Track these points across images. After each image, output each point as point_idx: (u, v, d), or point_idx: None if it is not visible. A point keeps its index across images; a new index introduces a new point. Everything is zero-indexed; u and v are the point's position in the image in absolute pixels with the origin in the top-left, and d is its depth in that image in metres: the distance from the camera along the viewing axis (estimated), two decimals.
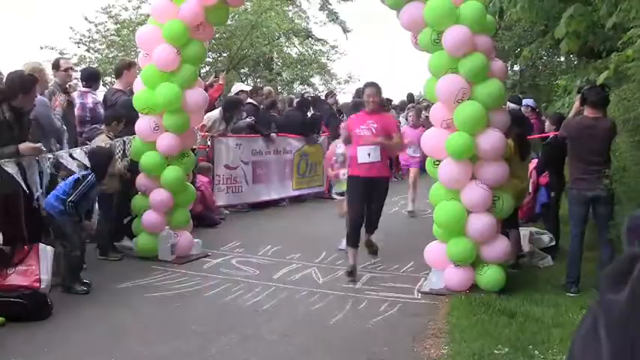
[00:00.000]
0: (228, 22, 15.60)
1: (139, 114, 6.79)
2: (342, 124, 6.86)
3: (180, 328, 4.85)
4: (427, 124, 8.25)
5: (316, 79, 24.38)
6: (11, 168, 5.14)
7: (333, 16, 23.76)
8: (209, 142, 9.72)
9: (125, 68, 7.66)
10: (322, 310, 5.39)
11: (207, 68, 20.33)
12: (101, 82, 9.32)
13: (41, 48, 17.79)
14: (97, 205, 6.59)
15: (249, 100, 10.87)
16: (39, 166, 5.49)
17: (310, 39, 23.85)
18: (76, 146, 6.86)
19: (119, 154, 6.68)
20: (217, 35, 18.27)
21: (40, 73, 6.36)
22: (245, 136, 10.22)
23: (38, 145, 5.44)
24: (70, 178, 5.68)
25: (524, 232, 7.21)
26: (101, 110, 7.43)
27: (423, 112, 11.67)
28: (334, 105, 13.38)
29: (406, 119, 12.74)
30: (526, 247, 7.14)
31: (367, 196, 6.34)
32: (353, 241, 6.38)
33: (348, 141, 6.43)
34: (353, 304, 5.56)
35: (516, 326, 4.90)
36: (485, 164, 5.70)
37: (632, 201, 6.03)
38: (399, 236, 8.35)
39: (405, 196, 10.56)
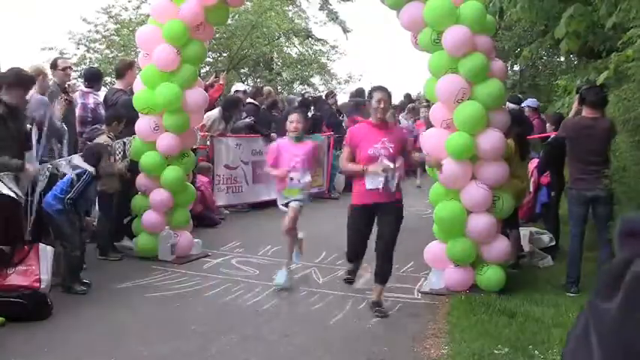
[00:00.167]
0: (229, 22, 15.62)
1: (139, 114, 6.79)
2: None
3: (180, 328, 4.85)
4: (427, 124, 8.28)
5: (316, 79, 24.37)
6: (8, 180, 5.14)
7: (333, 16, 23.75)
8: (209, 142, 9.73)
9: (127, 68, 7.66)
10: (322, 310, 5.39)
11: (208, 68, 20.32)
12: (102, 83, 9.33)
13: (42, 49, 17.79)
14: (97, 205, 6.61)
15: (249, 100, 10.87)
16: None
17: (310, 39, 23.84)
18: (76, 146, 6.88)
19: (119, 154, 6.68)
20: (217, 35, 18.26)
21: (42, 74, 6.37)
22: (245, 136, 10.22)
23: (39, 167, 5.48)
24: (67, 177, 5.68)
25: (524, 232, 7.21)
26: (102, 111, 7.43)
27: (422, 110, 11.71)
28: (334, 105, 13.39)
29: (406, 120, 12.78)
30: (526, 247, 7.14)
31: (372, 223, 5.25)
32: (353, 258, 5.63)
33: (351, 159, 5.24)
34: (353, 304, 5.55)
35: (516, 326, 4.90)
36: (486, 164, 5.70)
37: (632, 201, 6.03)
38: (399, 236, 8.34)
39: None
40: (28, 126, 5.45)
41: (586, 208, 5.94)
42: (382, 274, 5.25)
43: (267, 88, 12.75)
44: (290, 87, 23.00)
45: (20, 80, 5.31)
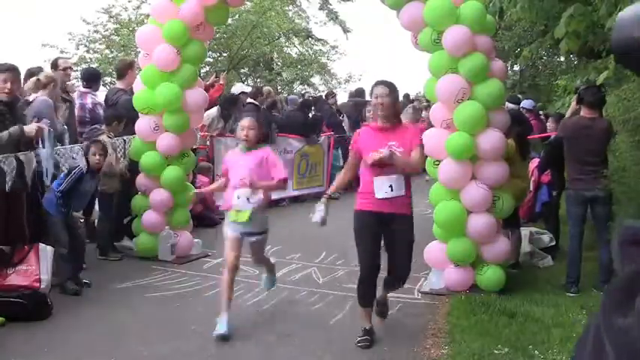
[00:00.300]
0: (229, 22, 15.64)
1: (139, 114, 6.79)
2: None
3: (180, 328, 4.85)
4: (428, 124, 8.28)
5: (316, 79, 24.38)
6: (7, 166, 5.12)
7: (333, 16, 23.75)
8: (209, 142, 9.72)
9: (127, 68, 7.67)
10: (322, 310, 5.39)
11: (208, 68, 20.33)
12: (101, 83, 9.33)
13: (43, 45, 17.79)
14: (97, 205, 6.61)
15: (249, 100, 10.87)
16: (39, 164, 5.48)
17: (310, 39, 23.85)
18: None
19: (120, 154, 6.69)
20: (217, 35, 18.26)
21: (54, 82, 6.39)
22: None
23: (42, 125, 5.41)
24: (64, 173, 5.69)
25: (525, 232, 7.21)
26: (100, 111, 7.44)
27: (423, 112, 11.68)
28: (334, 105, 13.40)
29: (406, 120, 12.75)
30: (526, 247, 7.14)
31: (384, 235, 4.62)
32: (365, 298, 4.67)
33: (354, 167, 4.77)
34: (353, 304, 5.54)
35: (516, 326, 4.90)
36: (486, 164, 5.70)
37: (632, 201, 6.03)
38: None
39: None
40: (34, 126, 5.40)
41: (584, 208, 5.95)
42: (396, 280, 4.82)
43: (266, 88, 12.75)
44: (290, 87, 23.00)
45: (3, 67, 5.30)
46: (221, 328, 4.57)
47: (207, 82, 9.82)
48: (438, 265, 6.02)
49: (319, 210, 4.79)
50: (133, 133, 6.87)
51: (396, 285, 4.87)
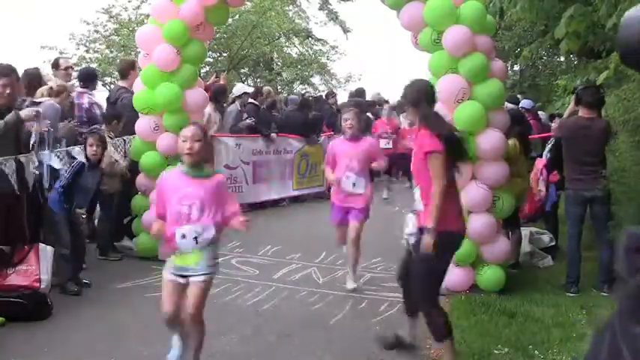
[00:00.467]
0: (229, 22, 15.64)
1: (139, 114, 6.79)
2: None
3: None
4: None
5: (316, 79, 24.39)
6: (8, 167, 5.12)
7: (333, 16, 23.76)
8: None
9: (129, 68, 7.68)
10: (322, 310, 5.39)
11: (208, 68, 20.33)
12: (101, 83, 9.35)
13: (42, 48, 17.81)
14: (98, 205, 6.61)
15: (249, 100, 10.88)
16: (40, 164, 5.47)
17: (310, 39, 23.86)
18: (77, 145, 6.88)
19: (120, 154, 6.68)
20: (217, 35, 18.27)
21: (65, 91, 6.40)
22: (245, 136, 10.21)
23: (38, 109, 5.39)
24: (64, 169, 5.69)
25: (525, 232, 7.21)
26: (97, 110, 7.44)
27: None
28: (334, 105, 13.40)
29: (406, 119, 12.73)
30: (526, 247, 7.14)
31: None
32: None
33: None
34: (353, 304, 5.56)
35: (516, 326, 4.90)
36: (485, 164, 5.70)
37: (632, 201, 6.03)
38: (398, 236, 8.35)
39: (404, 195, 10.56)
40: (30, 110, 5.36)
41: (583, 208, 5.95)
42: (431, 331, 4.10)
43: (266, 88, 12.76)
44: (290, 87, 23.02)
45: (3, 72, 5.28)
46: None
47: (207, 82, 9.82)
48: None
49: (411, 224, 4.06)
50: (133, 133, 6.87)
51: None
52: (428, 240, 3.78)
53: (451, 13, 5.52)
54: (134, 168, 6.87)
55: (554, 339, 4.60)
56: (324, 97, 14.56)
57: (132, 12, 19.25)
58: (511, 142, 6.14)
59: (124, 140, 6.83)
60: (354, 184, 5.72)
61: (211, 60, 20.48)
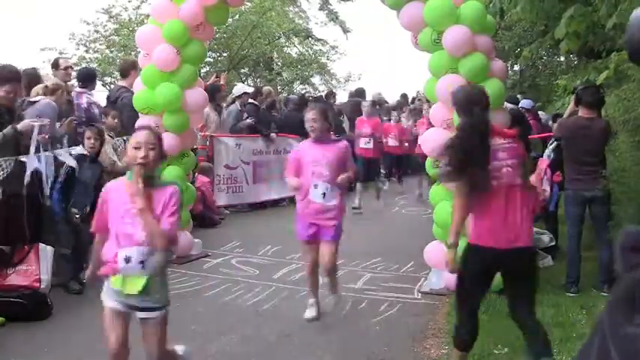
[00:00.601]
0: (229, 22, 15.63)
1: (139, 114, 6.79)
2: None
3: (180, 328, 4.83)
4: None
5: (316, 79, 24.39)
6: (7, 168, 5.11)
7: (333, 16, 23.77)
8: (208, 142, 9.73)
9: (130, 68, 7.68)
10: (322, 310, 5.38)
11: (208, 68, 20.33)
12: (100, 83, 9.37)
13: (42, 49, 17.83)
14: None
15: (249, 100, 10.89)
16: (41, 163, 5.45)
17: (310, 39, 23.86)
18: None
19: (119, 154, 6.68)
20: (217, 35, 18.27)
21: (61, 89, 6.39)
22: (245, 136, 10.22)
23: (36, 121, 5.38)
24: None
25: None
26: (96, 110, 7.44)
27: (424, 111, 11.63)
28: (334, 105, 13.42)
29: (406, 119, 12.75)
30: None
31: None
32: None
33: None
34: (353, 304, 5.56)
35: (516, 326, 4.89)
36: None
37: (632, 201, 6.03)
38: (398, 236, 8.36)
39: (405, 196, 10.58)
40: (27, 122, 5.36)
41: (583, 208, 5.95)
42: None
43: (266, 88, 12.77)
44: (290, 87, 23.02)
45: (9, 76, 5.29)
46: None
47: (208, 82, 9.82)
48: (438, 265, 6.01)
49: None
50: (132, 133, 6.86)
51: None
52: (448, 254, 3.80)
53: (451, 13, 5.51)
54: None
55: (555, 339, 4.58)
56: (324, 97, 14.56)
57: (132, 12, 19.27)
58: None
59: (124, 140, 6.82)
60: (323, 195, 4.78)
61: (211, 60, 20.48)
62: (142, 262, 3.10)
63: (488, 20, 5.86)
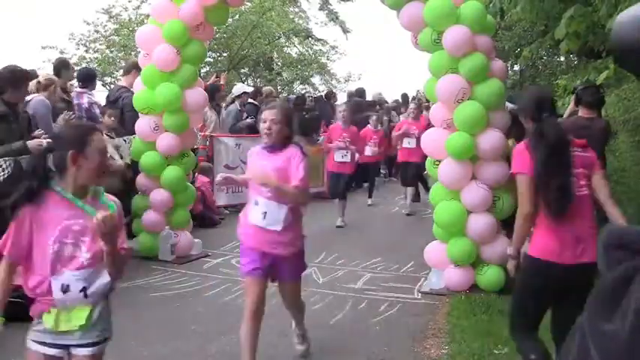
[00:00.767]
0: (229, 22, 15.63)
1: (139, 114, 6.80)
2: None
3: (180, 328, 4.85)
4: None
5: (316, 79, 24.40)
6: (7, 168, 5.10)
7: (333, 16, 23.78)
8: (208, 142, 9.73)
9: (133, 67, 7.69)
10: (322, 310, 5.39)
11: (208, 68, 20.33)
12: (100, 83, 9.37)
13: (43, 48, 17.86)
14: None
15: (249, 100, 10.88)
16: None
17: (310, 39, 23.87)
18: None
19: (117, 153, 6.68)
20: (217, 35, 18.27)
21: (53, 84, 6.39)
22: (245, 136, 10.21)
23: (44, 142, 5.35)
24: None
25: None
26: (97, 110, 7.45)
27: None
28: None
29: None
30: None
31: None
32: None
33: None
34: (353, 304, 5.56)
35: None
36: (486, 164, 5.70)
37: (632, 201, 6.04)
38: (399, 236, 8.36)
39: (403, 196, 10.57)
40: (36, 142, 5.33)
41: None
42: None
43: (267, 88, 12.78)
44: (290, 87, 23.02)
45: (18, 77, 5.29)
46: None
47: (208, 82, 9.82)
48: (438, 265, 6.02)
49: None
50: (133, 133, 6.87)
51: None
52: (509, 265, 3.69)
53: (451, 13, 5.52)
54: (134, 168, 6.87)
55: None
56: (324, 97, 14.56)
57: (132, 12, 19.27)
58: (510, 142, 6.14)
59: (125, 140, 6.83)
60: (264, 215, 3.79)
61: (211, 60, 20.48)
62: (83, 290, 2.60)
63: (488, 20, 5.86)
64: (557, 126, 3.49)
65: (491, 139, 5.63)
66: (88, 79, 7.85)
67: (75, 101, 7.41)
